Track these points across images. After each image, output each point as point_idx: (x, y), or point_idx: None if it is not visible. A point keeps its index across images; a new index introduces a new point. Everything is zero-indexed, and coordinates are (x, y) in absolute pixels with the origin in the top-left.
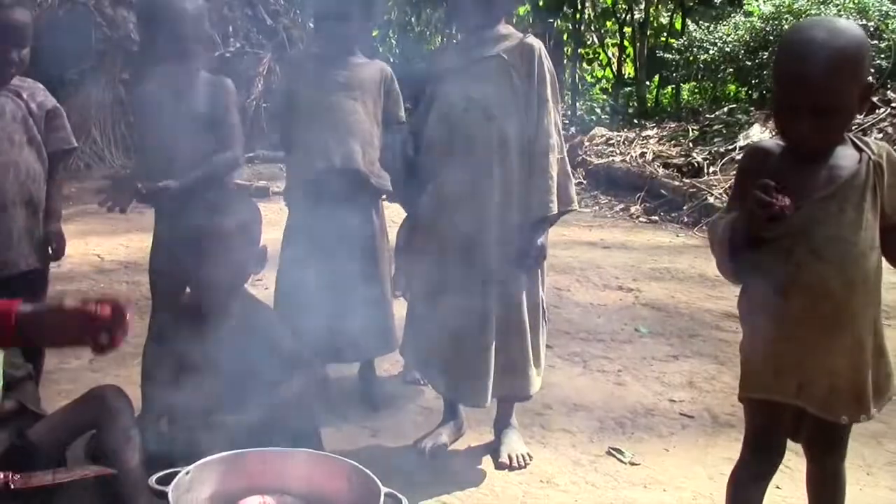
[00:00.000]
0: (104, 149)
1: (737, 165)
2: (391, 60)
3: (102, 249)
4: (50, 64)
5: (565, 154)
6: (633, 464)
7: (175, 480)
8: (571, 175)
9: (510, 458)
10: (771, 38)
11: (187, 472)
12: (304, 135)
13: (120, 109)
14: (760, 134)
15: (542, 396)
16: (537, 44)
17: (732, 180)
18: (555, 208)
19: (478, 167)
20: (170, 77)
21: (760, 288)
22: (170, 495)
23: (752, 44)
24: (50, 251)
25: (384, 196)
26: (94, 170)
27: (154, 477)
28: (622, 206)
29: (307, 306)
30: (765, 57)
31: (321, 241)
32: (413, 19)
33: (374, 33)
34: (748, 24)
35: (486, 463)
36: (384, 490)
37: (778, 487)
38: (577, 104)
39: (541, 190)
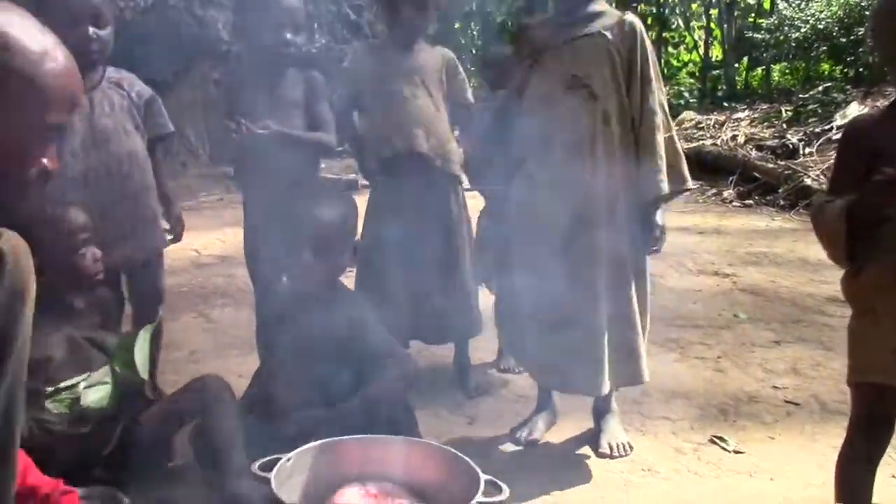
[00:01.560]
0: (198, 147)
1: (835, 146)
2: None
3: (199, 244)
4: (142, 65)
5: (674, 132)
6: (737, 452)
7: (277, 467)
8: (682, 153)
9: (611, 446)
10: (866, 12)
11: (289, 459)
12: (369, 123)
13: (212, 109)
14: (858, 112)
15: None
16: (638, 21)
17: (830, 161)
18: (665, 187)
19: (579, 147)
20: (263, 69)
21: (881, 268)
22: (272, 481)
23: (846, 20)
24: (169, 235)
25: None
26: (188, 168)
27: (257, 463)
28: (714, 190)
29: (389, 291)
30: (860, 33)
31: (398, 224)
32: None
33: (457, 25)
34: (842, 0)
35: (585, 451)
36: (484, 477)
37: (893, 476)
38: (664, 89)
39: (650, 170)
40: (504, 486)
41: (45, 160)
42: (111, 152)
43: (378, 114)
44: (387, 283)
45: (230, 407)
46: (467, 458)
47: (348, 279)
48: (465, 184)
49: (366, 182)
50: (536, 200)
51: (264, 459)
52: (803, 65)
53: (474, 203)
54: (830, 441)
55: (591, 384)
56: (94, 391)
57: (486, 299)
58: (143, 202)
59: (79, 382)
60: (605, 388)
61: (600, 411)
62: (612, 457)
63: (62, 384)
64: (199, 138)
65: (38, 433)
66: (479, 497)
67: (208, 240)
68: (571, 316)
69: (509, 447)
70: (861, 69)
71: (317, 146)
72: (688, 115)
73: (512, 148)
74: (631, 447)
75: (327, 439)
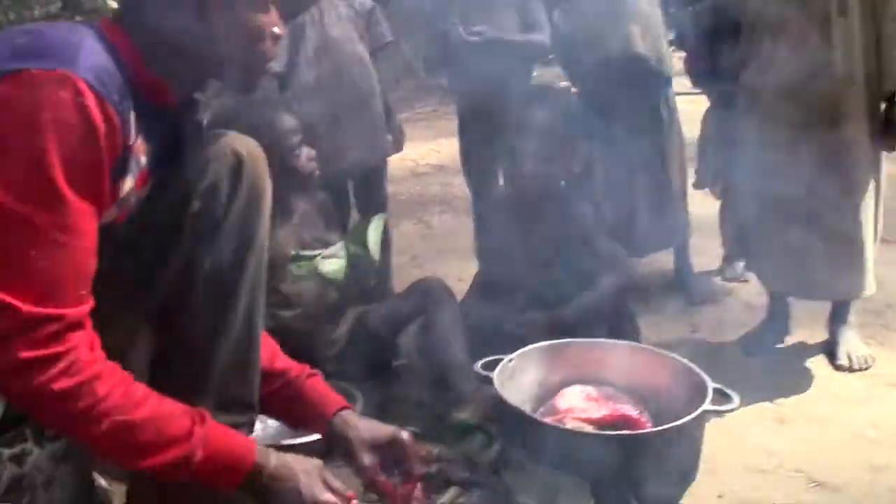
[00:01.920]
0: (413, 59)
1: None
2: None
3: (416, 154)
4: None
5: None
6: None
7: (499, 367)
8: None
9: (850, 358)
10: None
11: (510, 360)
12: (578, 22)
13: (427, 19)
14: None
15: (882, 295)
16: None
17: None
18: None
19: (816, 36)
20: None
21: None
22: (494, 380)
23: None
24: (392, 144)
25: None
26: (403, 80)
27: (480, 363)
28: None
29: (598, 196)
30: None
31: (608, 129)
32: None
33: None
34: None
35: (820, 364)
36: (712, 385)
37: None
38: None
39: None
40: (734, 395)
41: (274, 28)
42: (341, 60)
43: (588, 12)
44: (604, 188)
45: (452, 307)
46: (693, 365)
47: None
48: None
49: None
50: (772, 95)
51: (487, 359)
52: None
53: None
54: None
55: (847, 286)
56: (330, 262)
57: (708, 204)
58: (372, 108)
59: (317, 255)
60: (869, 289)
61: (837, 322)
62: (850, 370)
63: (303, 252)
64: (415, 50)
65: (274, 329)
66: (707, 405)
67: (424, 150)
68: (820, 214)
69: (736, 356)
70: None
71: (531, 48)
72: None
73: (740, 40)
74: (873, 359)
75: (550, 341)
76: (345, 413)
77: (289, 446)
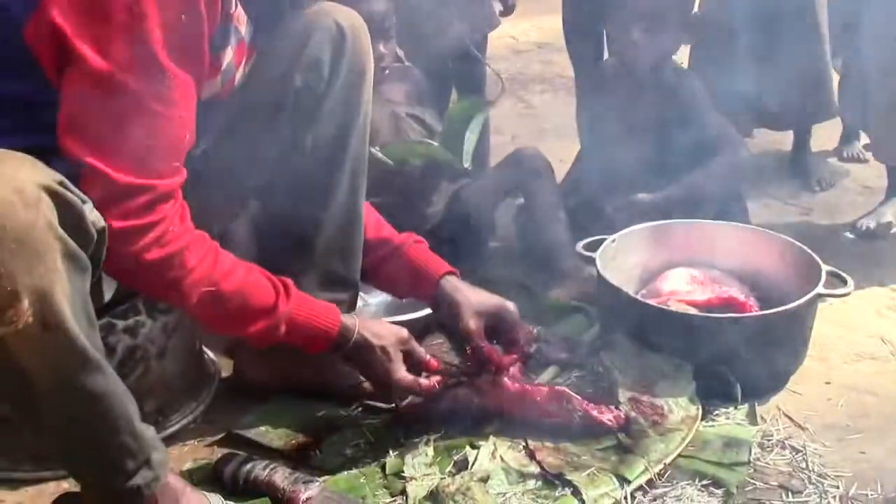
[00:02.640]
0: None
1: None
2: None
3: (516, 31)
4: None
5: None
6: None
7: (602, 247)
8: None
9: None
10: None
11: (613, 241)
12: None
13: None
14: None
15: None
16: None
17: None
18: None
19: None
20: None
21: None
22: (597, 261)
23: None
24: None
25: None
26: None
27: (582, 243)
28: None
29: (732, 67)
30: None
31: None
32: None
33: None
34: None
35: None
36: (825, 268)
37: None
38: None
39: None
40: (848, 279)
41: None
42: None
43: None
44: (728, 61)
45: (550, 180)
46: (805, 247)
47: None
48: None
49: None
50: None
51: (589, 239)
52: None
53: None
54: None
55: None
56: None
57: None
58: None
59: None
60: None
61: None
62: None
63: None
64: None
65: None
66: (820, 288)
67: (524, 27)
68: None
69: (851, 240)
70: None
71: None
72: None
73: None
74: None
75: (654, 222)
76: (452, 277)
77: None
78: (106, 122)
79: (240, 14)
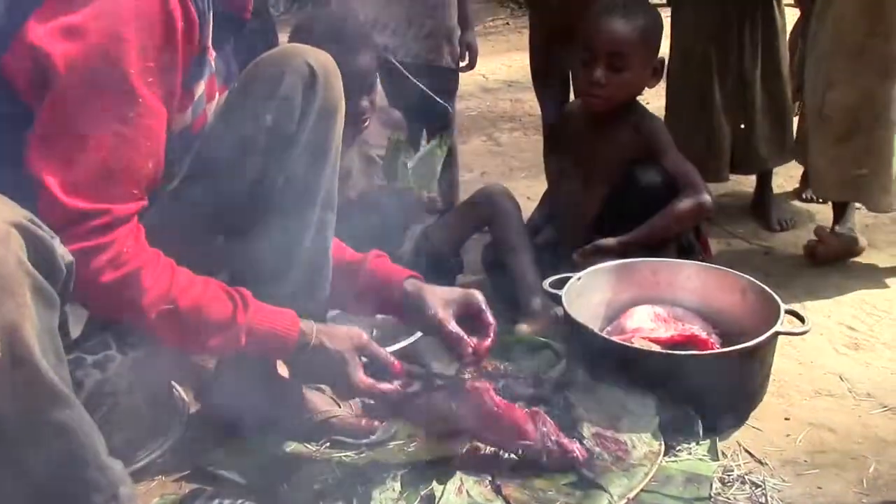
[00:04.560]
0: None
1: None
2: None
3: (486, 69)
4: None
5: None
6: None
7: (568, 285)
8: None
9: None
10: None
11: (579, 278)
12: None
13: None
14: None
15: None
16: None
17: None
18: None
19: None
20: None
21: None
22: (563, 298)
23: None
24: (464, 61)
25: None
26: None
27: (548, 280)
28: None
29: (697, 114)
30: None
31: (710, 41)
32: None
33: None
34: None
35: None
36: (784, 307)
37: None
38: None
39: None
40: (806, 318)
41: None
42: None
43: None
44: (696, 105)
45: (517, 216)
46: (764, 286)
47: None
48: None
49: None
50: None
51: (555, 277)
52: None
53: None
54: None
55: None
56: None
57: None
58: (441, 14)
59: None
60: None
61: None
62: None
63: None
64: None
65: None
66: (779, 327)
67: (495, 65)
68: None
69: (811, 278)
70: None
71: None
72: None
73: None
74: None
75: (619, 261)
76: (415, 280)
77: None
78: (67, 139)
79: (211, 49)
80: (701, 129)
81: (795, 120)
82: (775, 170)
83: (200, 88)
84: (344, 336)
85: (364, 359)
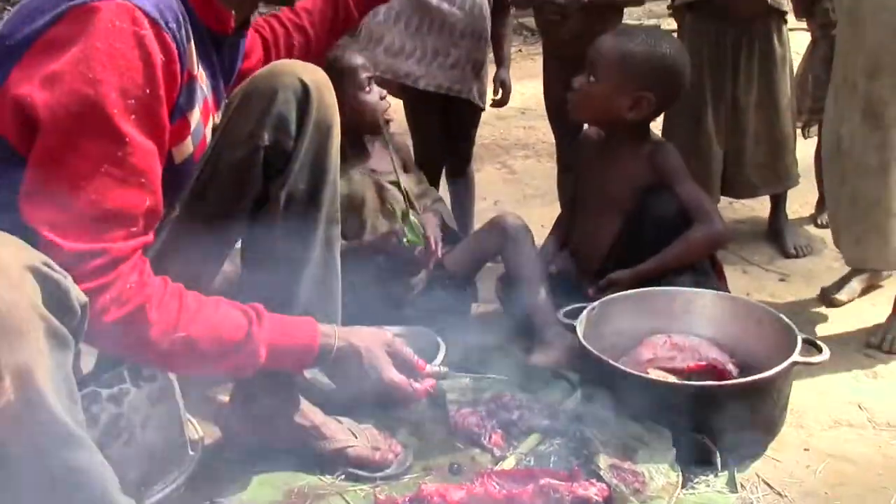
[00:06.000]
0: None
1: None
2: None
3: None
4: None
5: None
6: None
7: (583, 315)
8: None
9: None
10: None
11: (594, 308)
12: None
13: None
14: None
15: None
16: None
17: None
18: None
19: None
20: None
21: None
22: (578, 328)
23: None
24: (496, 96)
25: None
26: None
27: (562, 310)
28: None
29: (698, 140)
30: None
31: (710, 67)
32: None
33: None
34: None
35: None
36: (801, 336)
37: None
38: None
39: None
40: (824, 347)
41: None
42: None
43: None
44: (690, 127)
45: (531, 246)
46: (782, 315)
47: None
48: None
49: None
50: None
51: (570, 307)
52: None
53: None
54: None
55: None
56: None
57: (803, 147)
58: (468, 45)
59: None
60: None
61: None
62: None
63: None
64: None
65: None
66: (796, 356)
67: None
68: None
69: (822, 307)
70: None
71: (631, 1)
72: None
73: None
74: None
75: (634, 290)
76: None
77: None
78: (59, 186)
79: (200, 72)
80: (693, 152)
81: (811, 143)
82: (790, 195)
83: (196, 116)
84: (368, 333)
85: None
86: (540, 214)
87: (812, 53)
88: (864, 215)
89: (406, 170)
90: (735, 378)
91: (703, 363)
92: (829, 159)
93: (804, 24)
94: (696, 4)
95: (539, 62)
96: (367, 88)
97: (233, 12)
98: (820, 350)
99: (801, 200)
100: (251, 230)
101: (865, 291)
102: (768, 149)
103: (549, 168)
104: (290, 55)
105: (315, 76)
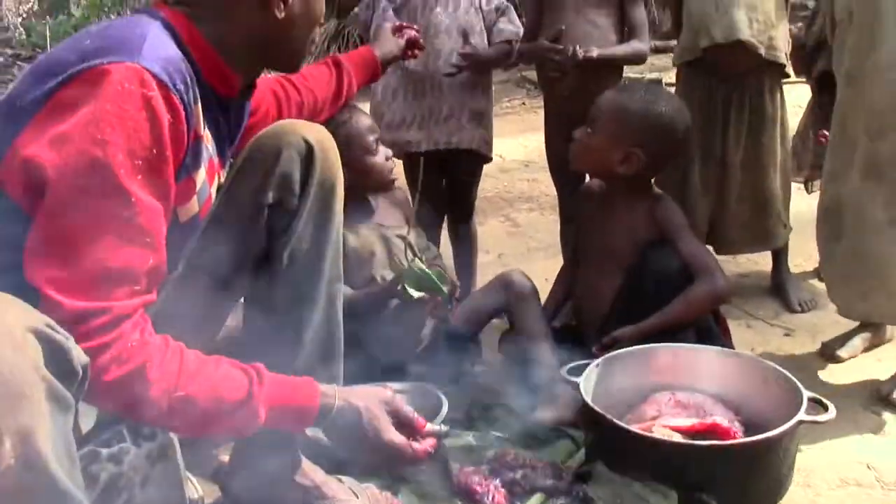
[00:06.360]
0: None
1: None
2: None
3: (503, 149)
4: None
5: None
6: None
7: (586, 371)
8: None
9: None
10: None
11: (598, 365)
12: (687, 8)
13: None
14: None
15: None
16: None
17: None
18: None
19: None
20: None
21: None
22: (581, 385)
23: None
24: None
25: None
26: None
27: (566, 367)
28: None
29: (688, 196)
30: None
31: (703, 122)
32: None
33: None
34: None
35: None
36: (807, 394)
37: None
38: None
39: None
40: (830, 405)
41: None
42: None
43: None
44: (677, 181)
45: (535, 302)
46: (787, 373)
47: None
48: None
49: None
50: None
51: (573, 364)
52: None
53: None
54: None
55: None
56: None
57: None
58: (459, 95)
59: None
60: None
61: None
62: None
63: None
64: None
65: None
66: (802, 415)
67: (511, 145)
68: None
69: (826, 363)
70: None
71: (632, 59)
72: None
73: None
74: None
75: (638, 346)
76: None
77: None
78: (64, 243)
79: (206, 133)
80: (680, 207)
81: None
82: (793, 248)
83: (201, 176)
84: (368, 392)
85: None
86: (543, 267)
87: (812, 109)
88: (874, 271)
89: (409, 226)
90: (741, 437)
91: (709, 422)
92: (824, 215)
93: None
94: (692, 61)
95: (542, 115)
96: (374, 150)
97: (239, 76)
98: (826, 408)
99: (805, 254)
100: (253, 288)
101: (868, 349)
102: (752, 208)
103: (553, 221)
104: (300, 114)
105: (319, 135)
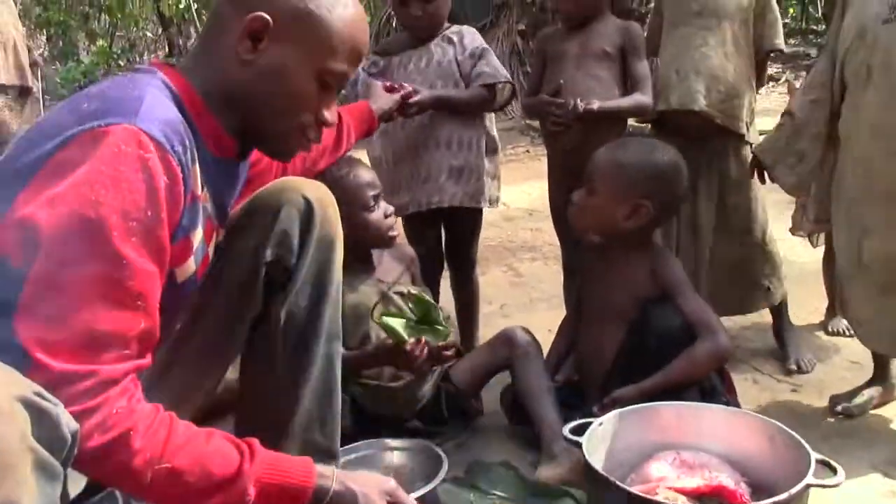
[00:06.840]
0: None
1: None
2: None
3: (507, 198)
4: (453, 20)
5: None
6: None
7: (588, 431)
8: None
9: None
10: None
11: (601, 423)
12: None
13: (517, 59)
14: None
15: None
16: None
17: None
18: None
19: None
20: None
21: None
22: (584, 445)
23: None
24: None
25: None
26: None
27: (568, 427)
28: None
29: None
30: None
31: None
32: None
33: None
34: None
35: None
36: (815, 456)
37: None
38: None
39: None
40: (839, 468)
41: (325, 112)
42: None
43: (664, 61)
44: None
45: (537, 359)
46: (794, 433)
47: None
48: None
49: None
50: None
51: (575, 423)
52: None
53: None
54: None
55: None
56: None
57: (809, 251)
58: (435, 156)
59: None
60: None
61: None
62: None
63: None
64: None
65: (356, 388)
66: (810, 478)
67: (515, 194)
68: None
69: (841, 420)
70: None
71: (635, 112)
72: None
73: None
74: None
75: (641, 405)
76: None
77: None
78: (55, 308)
79: (204, 194)
80: None
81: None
82: (798, 301)
83: (198, 236)
84: (369, 479)
85: None
86: (546, 318)
87: None
88: None
89: (413, 282)
90: (747, 500)
91: (714, 484)
92: (850, 270)
93: None
94: (659, 122)
95: (545, 163)
96: (372, 206)
97: (234, 140)
98: (835, 471)
99: (811, 306)
100: (251, 346)
101: (879, 405)
102: (728, 272)
103: (556, 271)
104: (302, 163)
105: (318, 192)
